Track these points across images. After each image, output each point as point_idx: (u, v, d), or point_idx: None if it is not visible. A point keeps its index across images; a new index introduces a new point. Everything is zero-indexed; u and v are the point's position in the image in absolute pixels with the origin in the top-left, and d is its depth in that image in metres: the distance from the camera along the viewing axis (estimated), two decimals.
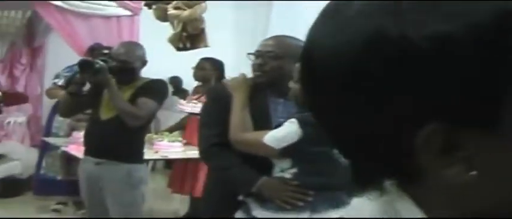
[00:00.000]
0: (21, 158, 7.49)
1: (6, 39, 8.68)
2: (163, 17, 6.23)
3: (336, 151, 2.50)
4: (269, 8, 12.72)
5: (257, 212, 2.94)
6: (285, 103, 3.11)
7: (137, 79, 4.34)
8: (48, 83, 7.62)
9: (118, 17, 7.36)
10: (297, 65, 2.92)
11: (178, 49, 6.21)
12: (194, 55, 6.48)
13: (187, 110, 6.22)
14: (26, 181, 7.56)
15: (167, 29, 6.38)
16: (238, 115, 3.00)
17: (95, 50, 6.32)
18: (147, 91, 4.23)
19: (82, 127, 5.61)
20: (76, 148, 5.38)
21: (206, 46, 6.27)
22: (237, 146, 2.98)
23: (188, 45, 6.11)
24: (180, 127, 6.90)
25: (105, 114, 4.24)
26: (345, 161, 2.61)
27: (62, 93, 6.56)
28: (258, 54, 3.10)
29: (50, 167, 6.99)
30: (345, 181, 2.87)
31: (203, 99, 6.10)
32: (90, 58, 4.17)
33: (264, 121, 3.05)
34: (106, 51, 4.44)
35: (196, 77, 6.44)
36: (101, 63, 4.08)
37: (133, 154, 4.33)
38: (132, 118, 4.12)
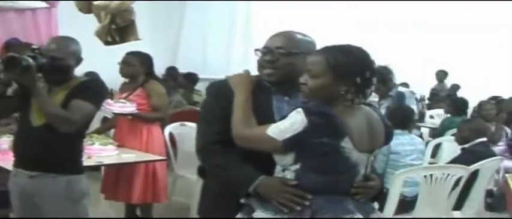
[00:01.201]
0: None
1: None
2: (86, 8, 5.78)
3: (345, 145, 2.69)
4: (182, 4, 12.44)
5: (257, 212, 2.80)
6: (289, 102, 3.01)
7: (71, 78, 3.90)
8: None
9: (33, 10, 6.81)
10: (311, 59, 2.78)
11: (107, 43, 5.80)
12: (116, 51, 6.00)
13: (116, 111, 5.77)
14: None
15: (90, 22, 5.93)
16: (241, 110, 2.91)
17: (11, 46, 5.82)
18: (82, 92, 3.80)
19: (4, 132, 5.31)
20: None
21: (137, 39, 5.89)
22: (240, 141, 2.87)
23: (117, 38, 5.68)
24: (109, 128, 6.50)
25: (37, 119, 3.76)
26: (355, 158, 2.78)
27: None
28: (266, 51, 3.03)
29: None
30: (351, 181, 2.79)
31: (132, 97, 5.76)
32: (16, 55, 3.61)
33: (268, 121, 2.86)
34: (35, 46, 3.84)
35: (124, 73, 5.94)
36: (29, 60, 3.58)
37: (72, 164, 3.90)
38: (64, 123, 3.69)
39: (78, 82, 3.89)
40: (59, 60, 3.78)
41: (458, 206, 5.58)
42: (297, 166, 2.73)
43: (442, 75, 13.49)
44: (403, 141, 5.75)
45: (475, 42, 13.06)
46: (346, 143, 2.68)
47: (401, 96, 6.81)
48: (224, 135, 2.91)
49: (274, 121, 2.83)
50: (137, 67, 5.86)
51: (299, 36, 3.08)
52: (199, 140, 3.07)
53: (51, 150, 3.75)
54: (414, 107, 6.79)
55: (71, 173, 3.85)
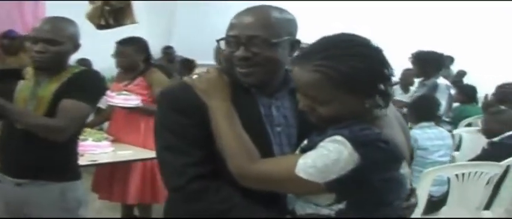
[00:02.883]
0: None
1: None
2: None
3: (403, 171, 2.04)
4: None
5: None
6: (278, 106, 2.30)
7: (66, 68, 3.32)
8: None
9: None
10: (304, 79, 2.01)
11: (100, 27, 5.30)
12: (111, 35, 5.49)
13: (120, 104, 5.25)
14: None
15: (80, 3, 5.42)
16: (232, 135, 2.11)
17: (6, 37, 5.40)
18: (75, 88, 3.23)
19: None
20: None
21: (134, 22, 5.39)
22: (248, 182, 2.09)
23: (111, 21, 5.17)
24: (104, 120, 5.97)
25: None
26: (407, 180, 2.14)
27: None
28: (236, 42, 2.19)
29: None
30: (401, 206, 2.18)
31: (132, 87, 5.26)
32: None
33: (257, 134, 2.18)
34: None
35: (121, 66, 5.45)
36: None
37: (66, 169, 3.38)
38: (51, 132, 3.17)
39: (72, 73, 3.30)
40: (53, 44, 3.21)
41: (487, 204, 5.18)
42: (341, 206, 2.03)
43: (448, 60, 12.93)
44: (431, 135, 5.34)
45: (481, 26, 12.68)
46: (404, 168, 2.06)
47: (434, 87, 6.38)
48: (208, 165, 2.18)
49: (266, 135, 2.23)
50: (134, 57, 5.36)
51: (276, 14, 2.24)
52: (173, 177, 2.23)
53: (40, 154, 3.24)
54: (443, 101, 6.38)
55: (64, 180, 3.35)
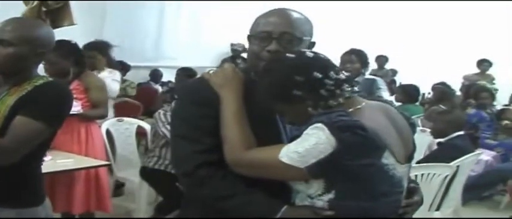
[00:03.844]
0: None
1: None
2: None
3: (387, 161, 2.17)
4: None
5: None
6: None
7: (29, 79, 2.91)
8: None
9: None
10: None
11: None
12: None
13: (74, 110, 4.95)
14: None
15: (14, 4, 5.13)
16: (236, 125, 2.32)
17: None
18: (30, 103, 2.82)
19: None
20: None
21: (72, 24, 5.14)
22: (239, 169, 2.30)
23: (49, 23, 4.92)
24: None
25: None
26: (399, 174, 2.24)
27: None
28: (268, 37, 2.38)
29: None
30: (399, 202, 2.28)
31: (75, 92, 5.01)
32: None
33: (270, 130, 2.42)
34: None
35: (51, 75, 5.06)
36: None
37: (24, 192, 2.96)
38: None
39: (33, 86, 2.89)
40: (3, 45, 2.85)
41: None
42: (331, 195, 2.18)
43: (383, 60, 12.91)
44: None
45: (411, 26, 12.94)
46: (388, 159, 2.17)
47: (370, 84, 6.25)
48: (216, 154, 2.33)
49: (279, 132, 2.41)
50: (62, 63, 5.05)
51: (298, 15, 2.46)
52: (183, 163, 2.41)
53: None
54: (385, 96, 6.29)
55: (20, 206, 2.93)
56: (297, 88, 2.17)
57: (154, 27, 12.17)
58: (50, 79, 3.04)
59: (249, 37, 2.44)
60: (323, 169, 2.10)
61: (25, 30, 2.88)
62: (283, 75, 2.20)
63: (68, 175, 4.90)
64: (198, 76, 2.74)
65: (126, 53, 10.99)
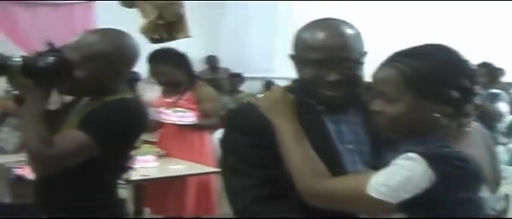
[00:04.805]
0: None
1: None
2: (130, 2, 5.26)
3: (483, 195, 1.93)
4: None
5: None
6: (348, 121, 2.22)
7: (112, 92, 2.73)
8: None
9: (70, 5, 6.29)
10: (379, 74, 1.98)
11: (154, 41, 5.25)
12: None
13: (176, 122, 5.21)
14: None
15: (131, 18, 5.38)
16: (299, 152, 2.05)
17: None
18: (90, 115, 2.68)
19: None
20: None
21: (187, 36, 5.34)
22: (314, 200, 2.02)
23: (165, 35, 5.14)
24: (150, 131, 5.84)
25: None
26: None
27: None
28: (328, 61, 2.10)
29: None
30: None
31: (182, 102, 5.22)
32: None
33: (328, 153, 2.12)
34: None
35: (163, 84, 5.40)
36: (15, 59, 2.58)
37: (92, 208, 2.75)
38: (33, 160, 2.62)
39: (104, 101, 2.71)
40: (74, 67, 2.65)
41: None
42: None
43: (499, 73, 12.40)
44: None
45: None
46: (484, 192, 1.97)
47: (494, 97, 6.19)
48: (269, 187, 2.15)
49: (337, 154, 2.15)
50: (174, 74, 5.26)
51: (350, 31, 2.17)
52: (235, 199, 2.23)
53: (57, 189, 2.73)
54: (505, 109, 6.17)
55: None
56: (455, 90, 1.90)
57: (269, 39, 12.18)
58: (128, 96, 2.77)
59: (297, 59, 2.20)
60: (416, 205, 1.85)
61: (89, 49, 2.65)
62: (451, 68, 1.93)
63: (180, 180, 5.08)
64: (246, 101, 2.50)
65: (240, 65, 11.24)
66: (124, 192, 2.85)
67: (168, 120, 5.16)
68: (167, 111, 5.14)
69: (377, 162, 2.02)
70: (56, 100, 2.87)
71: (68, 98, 2.89)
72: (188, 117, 5.14)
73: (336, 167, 2.07)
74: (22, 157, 4.61)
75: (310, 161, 2.03)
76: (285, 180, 2.06)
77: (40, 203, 2.87)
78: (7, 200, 5.90)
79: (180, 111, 5.14)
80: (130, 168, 2.87)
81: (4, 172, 5.67)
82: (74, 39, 2.71)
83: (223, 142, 2.33)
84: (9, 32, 6.09)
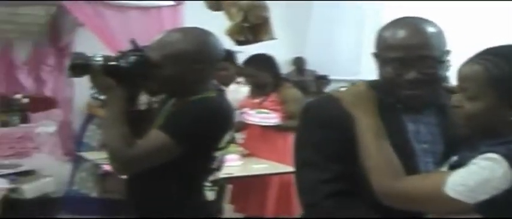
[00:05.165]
0: (54, 174, 6.67)
1: (29, 38, 7.87)
2: (216, 5, 5.36)
3: None
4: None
5: None
6: (424, 120, 2.18)
7: (197, 92, 2.69)
8: (78, 85, 6.77)
9: (158, 8, 6.42)
10: (464, 71, 1.95)
11: (239, 43, 5.32)
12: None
13: (259, 123, 5.32)
14: (61, 199, 6.84)
15: (218, 20, 5.46)
16: (378, 150, 2.02)
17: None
18: (173, 115, 2.68)
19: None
20: None
21: (272, 38, 5.41)
22: (390, 199, 1.99)
23: (250, 37, 5.21)
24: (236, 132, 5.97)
25: None
26: None
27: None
28: (406, 62, 2.08)
29: (84, 183, 6.17)
30: None
31: (266, 104, 5.28)
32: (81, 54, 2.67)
33: (405, 152, 2.08)
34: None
35: (250, 85, 5.51)
36: (97, 58, 2.62)
37: (180, 209, 2.74)
38: (112, 159, 2.63)
39: (188, 101, 2.67)
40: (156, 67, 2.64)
41: None
42: None
43: None
44: None
45: None
46: None
47: None
48: (344, 183, 2.10)
49: (413, 153, 2.12)
50: (259, 76, 5.43)
51: (434, 29, 2.14)
52: (308, 193, 2.19)
53: (145, 189, 2.78)
54: None
55: None
56: None
57: (354, 40, 12.12)
58: (212, 95, 2.73)
59: (378, 58, 2.18)
60: (493, 207, 1.83)
61: (170, 48, 2.63)
62: None
63: (262, 179, 5.20)
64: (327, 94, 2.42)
65: (326, 67, 11.22)
66: (211, 194, 2.77)
67: (251, 121, 5.24)
68: (250, 112, 5.22)
69: (454, 161, 2.00)
70: (145, 100, 2.89)
71: (159, 98, 2.90)
72: (271, 118, 5.21)
73: (410, 167, 2.05)
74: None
75: (388, 160, 2.01)
76: (359, 177, 2.04)
77: (130, 201, 2.90)
78: (94, 194, 6.12)
79: (263, 112, 5.22)
80: (217, 169, 2.81)
81: (92, 167, 5.88)
82: (156, 39, 2.70)
83: (299, 134, 2.30)
84: (99, 33, 6.24)
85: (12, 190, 6.40)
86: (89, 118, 6.15)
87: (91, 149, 6.08)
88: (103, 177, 6.04)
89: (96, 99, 5.36)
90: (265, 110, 5.27)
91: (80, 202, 6.43)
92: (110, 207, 6.09)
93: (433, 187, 1.90)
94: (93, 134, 6.24)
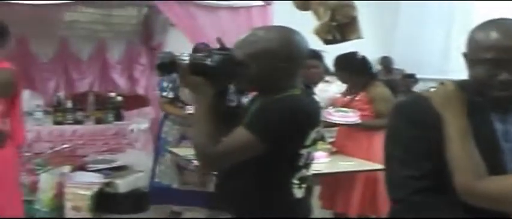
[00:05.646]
0: (145, 169, 6.85)
1: (122, 38, 8.17)
2: (304, 5, 5.42)
3: None
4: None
5: None
6: None
7: (278, 89, 2.69)
8: None
9: (248, 8, 6.52)
10: None
11: (327, 42, 5.37)
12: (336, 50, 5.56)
13: (337, 121, 5.28)
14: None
15: (306, 20, 5.53)
16: (464, 150, 2.05)
17: (199, 51, 5.75)
18: (257, 112, 2.68)
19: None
20: None
21: (359, 37, 5.41)
22: (473, 199, 2.04)
23: (338, 36, 5.25)
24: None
25: None
26: None
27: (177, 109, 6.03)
28: (499, 63, 2.09)
29: (163, 175, 6.34)
30: None
31: (354, 102, 5.32)
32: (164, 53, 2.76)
33: (492, 152, 2.12)
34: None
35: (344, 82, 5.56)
36: (184, 57, 2.67)
37: (268, 206, 2.76)
38: (199, 155, 2.69)
39: (273, 98, 2.68)
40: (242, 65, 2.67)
41: None
42: None
43: None
44: None
45: None
46: None
47: None
48: (432, 180, 2.14)
49: (501, 153, 2.13)
50: (351, 75, 5.44)
51: None
52: (396, 188, 2.24)
53: (233, 185, 2.81)
54: None
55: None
56: None
57: (442, 39, 12.01)
58: (297, 92, 2.73)
59: (469, 58, 2.21)
60: None
61: (255, 47, 2.65)
62: None
63: (349, 177, 5.20)
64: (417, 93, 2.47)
65: (414, 65, 11.12)
66: (299, 192, 2.78)
67: (330, 119, 5.22)
68: (330, 110, 5.22)
69: None
70: (234, 97, 2.91)
71: (247, 95, 2.96)
72: (350, 117, 5.20)
73: (498, 166, 2.09)
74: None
75: (472, 160, 2.04)
76: (446, 175, 2.08)
77: (220, 197, 2.97)
78: (176, 185, 6.27)
79: (342, 111, 5.21)
80: (305, 167, 2.80)
81: (175, 160, 6.05)
82: (242, 37, 2.72)
83: (390, 131, 2.34)
84: (189, 32, 6.37)
85: (107, 184, 6.64)
86: (167, 114, 6.29)
87: (167, 143, 6.23)
88: (181, 170, 6.15)
89: (164, 97, 5.59)
90: (345, 109, 5.26)
91: (162, 193, 6.46)
92: (190, 198, 6.24)
93: None
94: (169, 130, 6.36)
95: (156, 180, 6.45)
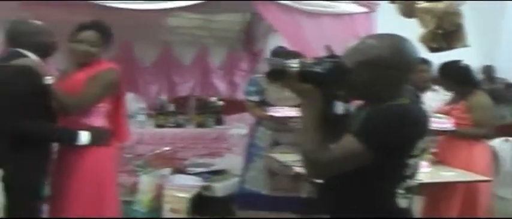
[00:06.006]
0: None
1: (224, 44, 8.28)
2: (409, 12, 5.34)
3: None
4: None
5: None
6: None
7: (387, 98, 2.69)
8: None
9: (351, 14, 6.47)
10: None
11: (432, 50, 5.28)
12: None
13: (442, 127, 5.18)
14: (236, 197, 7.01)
15: (411, 27, 5.45)
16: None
17: (278, 54, 5.99)
18: (365, 121, 2.67)
19: (286, 138, 5.73)
20: None
21: (465, 46, 5.30)
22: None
23: (444, 44, 5.15)
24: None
25: None
26: None
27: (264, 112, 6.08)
28: None
29: (254, 181, 6.36)
30: None
31: (454, 111, 5.23)
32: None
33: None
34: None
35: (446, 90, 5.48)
36: (293, 64, 2.65)
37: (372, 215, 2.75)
38: (306, 162, 2.66)
39: (381, 108, 2.66)
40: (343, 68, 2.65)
41: None
42: None
43: None
44: None
45: None
46: None
47: None
48: None
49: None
50: (456, 85, 5.37)
51: None
52: None
53: (338, 193, 2.80)
54: None
55: None
56: None
57: None
58: (406, 101, 2.70)
59: None
60: None
61: (365, 55, 2.64)
62: None
63: (449, 187, 5.11)
64: None
65: None
66: (404, 202, 2.73)
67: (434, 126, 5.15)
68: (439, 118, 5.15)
69: None
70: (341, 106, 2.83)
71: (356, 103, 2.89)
72: (443, 123, 5.11)
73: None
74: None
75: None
76: None
77: (322, 204, 2.92)
78: (265, 191, 6.31)
79: (437, 117, 5.10)
80: (411, 177, 2.74)
81: (268, 165, 6.08)
82: (352, 45, 2.71)
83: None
84: (292, 38, 6.36)
85: (205, 188, 6.69)
86: (260, 120, 6.32)
87: (260, 149, 6.25)
88: (273, 175, 6.19)
89: (251, 101, 5.64)
90: (439, 115, 5.17)
91: (251, 199, 6.54)
92: (281, 205, 6.25)
93: None
94: (262, 136, 6.39)
95: (246, 186, 6.51)
